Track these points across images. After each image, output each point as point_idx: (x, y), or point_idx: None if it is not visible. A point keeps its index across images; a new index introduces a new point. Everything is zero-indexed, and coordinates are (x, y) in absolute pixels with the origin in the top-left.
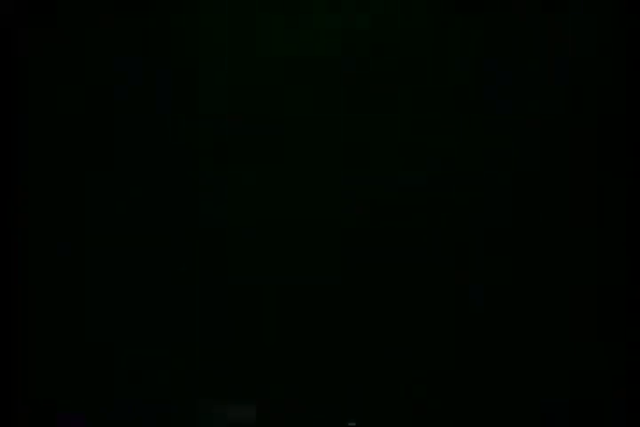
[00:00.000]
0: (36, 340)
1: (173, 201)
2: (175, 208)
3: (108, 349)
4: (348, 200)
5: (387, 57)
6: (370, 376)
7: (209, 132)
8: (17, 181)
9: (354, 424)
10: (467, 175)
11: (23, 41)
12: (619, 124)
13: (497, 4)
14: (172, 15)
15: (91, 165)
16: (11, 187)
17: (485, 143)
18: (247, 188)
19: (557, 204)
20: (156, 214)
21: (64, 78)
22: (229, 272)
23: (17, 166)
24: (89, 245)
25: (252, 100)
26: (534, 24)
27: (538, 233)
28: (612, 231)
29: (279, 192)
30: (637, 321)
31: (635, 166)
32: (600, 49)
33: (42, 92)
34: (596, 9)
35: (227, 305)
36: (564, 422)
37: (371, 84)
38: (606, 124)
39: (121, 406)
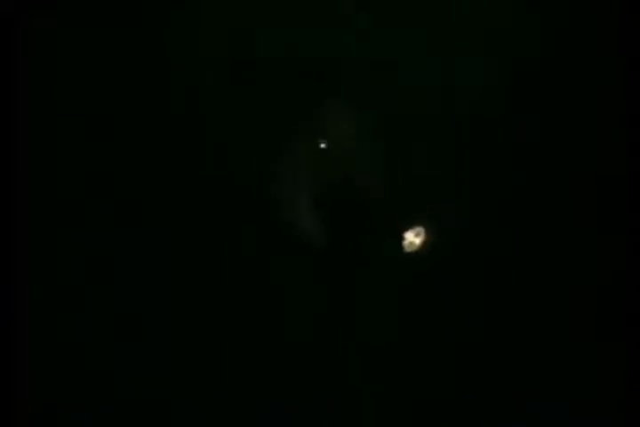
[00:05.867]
0: (36, 339)
1: (174, 206)
2: (176, 216)
3: (108, 348)
4: None
5: None
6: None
7: (213, 132)
8: (16, 178)
9: None
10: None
11: (23, 37)
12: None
13: None
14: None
15: (90, 167)
16: (11, 182)
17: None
18: None
19: (556, 202)
20: (156, 219)
21: (65, 76)
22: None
23: (17, 164)
24: (89, 248)
25: None
26: None
27: (535, 231)
28: (612, 230)
29: None
30: (637, 321)
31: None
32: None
33: (42, 89)
34: None
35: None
36: (562, 423)
37: None
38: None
39: (121, 406)
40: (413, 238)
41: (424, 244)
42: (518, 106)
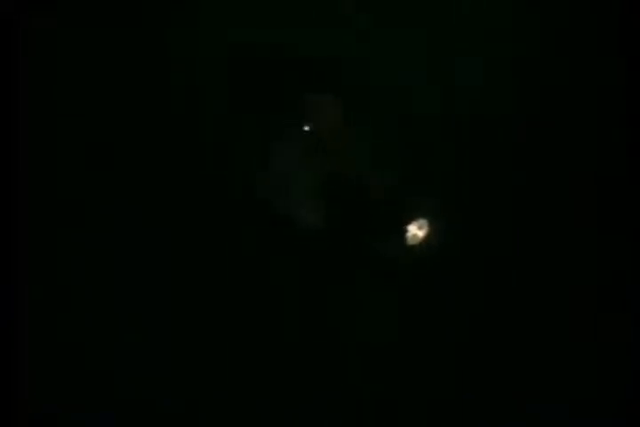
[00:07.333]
0: (36, 339)
1: (173, 206)
2: (175, 216)
3: (108, 348)
4: None
5: None
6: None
7: (212, 131)
8: (17, 178)
9: None
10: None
11: (23, 37)
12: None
13: None
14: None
15: (90, 167)
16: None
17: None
18: None
19: (556, 203)
20: (156, 218)
21: (65, 76)
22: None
23: (17, 163)
24: (88, 252)
25: None
26: None
27: (535, 231)
28: (612, 231)
29: None
30: (637, 321)
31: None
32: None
33: (42, 89)
34: None
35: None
36: (562, 423)
37: None
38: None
39: (121, 406)
40: (417, 231)
41: (427, 236)
42: (518, 106)
